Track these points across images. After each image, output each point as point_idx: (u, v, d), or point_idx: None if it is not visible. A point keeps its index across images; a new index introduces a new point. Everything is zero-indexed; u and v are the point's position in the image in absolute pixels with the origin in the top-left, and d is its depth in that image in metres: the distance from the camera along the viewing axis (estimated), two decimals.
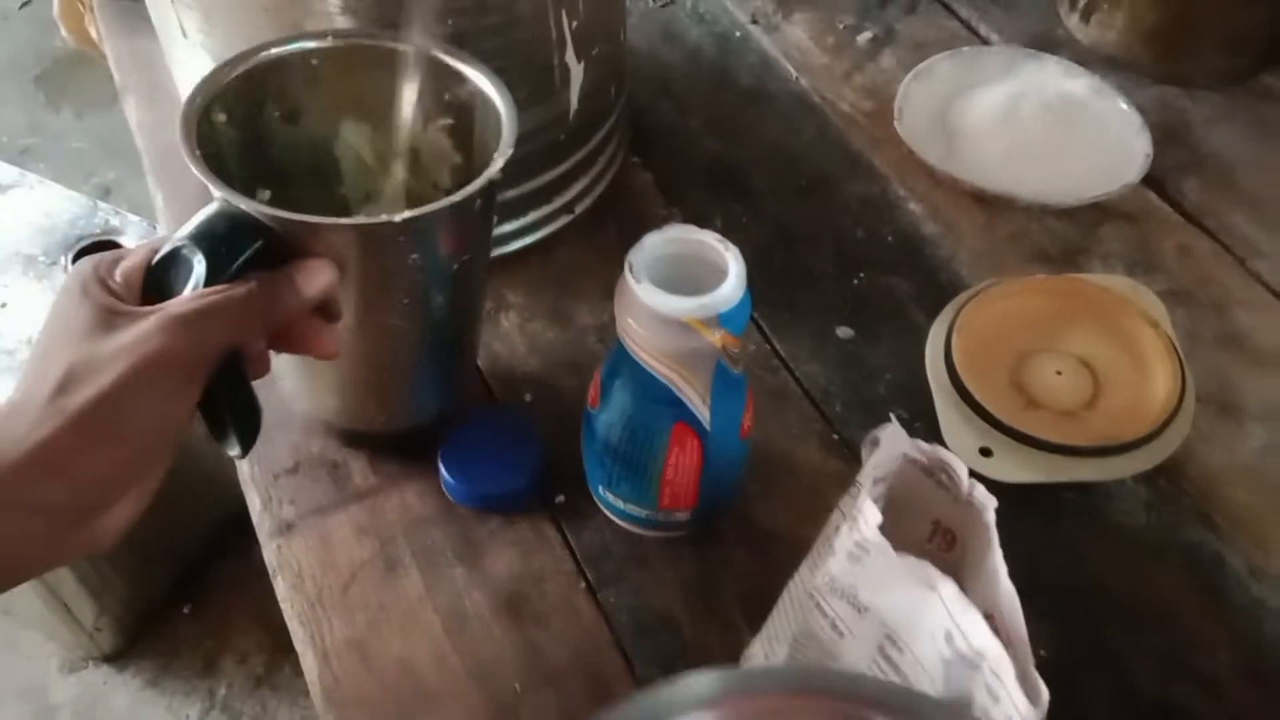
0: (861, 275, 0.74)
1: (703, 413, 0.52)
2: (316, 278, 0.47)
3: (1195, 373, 0.66)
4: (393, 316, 0.53)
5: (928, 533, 0.49)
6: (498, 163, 0.50)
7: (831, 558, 0.46)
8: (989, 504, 0.44)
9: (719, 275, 0.49)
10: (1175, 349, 0.66)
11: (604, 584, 0.58)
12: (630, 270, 0.48)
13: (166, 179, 0.80)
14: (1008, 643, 0.40)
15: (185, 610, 1.31)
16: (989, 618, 0.41)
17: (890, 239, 0.77)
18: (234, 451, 0.48)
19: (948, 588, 0.40)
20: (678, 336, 0.48)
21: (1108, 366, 0.67)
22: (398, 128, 0.56)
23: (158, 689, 1.26)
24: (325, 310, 0.49)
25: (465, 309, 0.58)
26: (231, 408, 0.46)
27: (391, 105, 0.55)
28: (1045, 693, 0.39)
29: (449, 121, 0.57)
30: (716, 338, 0.48)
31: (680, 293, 0.47)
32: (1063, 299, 0.70)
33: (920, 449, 0.46)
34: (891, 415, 0.48)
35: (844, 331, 0.71)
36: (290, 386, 0.61)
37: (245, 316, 0.44)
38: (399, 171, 0.58)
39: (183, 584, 1.31)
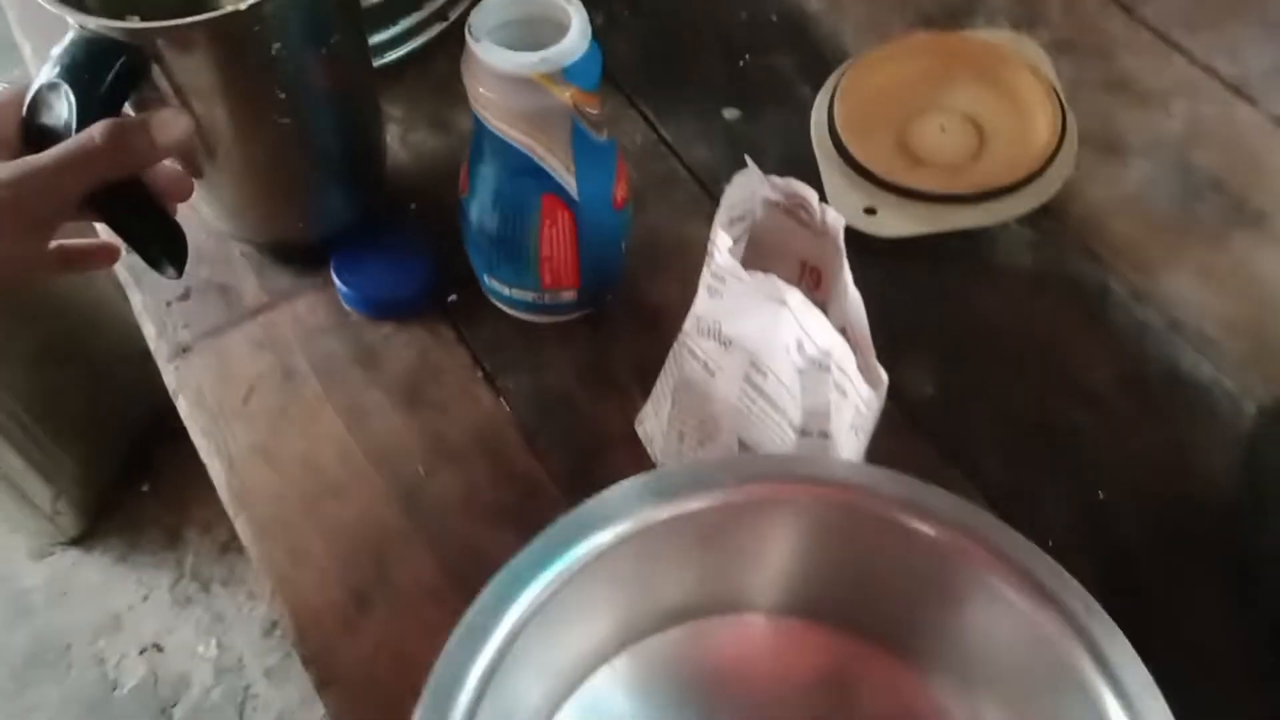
0: (746, 57, 0.74)
1: (568, 181, 0.52)
2: (170, 127, 0.48)
3: (1080, 117, 0.66)
4: (275, 113, 0.53)
5: (797, 274, 0.50)
6: None
7: (695, 300, 0.47)
8: (839, 224, 0.45)
9: (564, 32, 0.48)
10: (1056, 93, 0.66)
11: (500, 371, 0.59)
12: (470, 32, 0.47)
13: (34, 31, 0.78)
14: (855, 345, 0.41)
15: (144, 489, 1.33)
16: (843, 332, 0.42)
17: (774, 19, 0.76)
18: (170, 274, 0.51)
19: (794, 295, 0.41)
20: (526, 96, 0.48)
21: (992, 119, 0.67)
22: None
23: (127, 564, 1.29)
24: (186, 160, 0.52)
25: (351, 103, 0.58)
26: (147, 235, 0.50)
27: None
28: (885, 378, 0.40)
29: None
30: (566, 95, 0.48)
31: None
32: (945, 58, 0.69)
33: (774, 184, 0.47)
34: (747, 158, 0.48)
35: (730, 113, 0.71)
36: (207, 208, 0.61)
37: (92, 168, 0.45)
38: None
39: (137, 463, 1.32)
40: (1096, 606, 0.37)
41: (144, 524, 1.31)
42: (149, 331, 0.62)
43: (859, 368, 0.40)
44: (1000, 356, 0.59)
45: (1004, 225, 0.64)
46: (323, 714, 1.16)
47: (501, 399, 0.58)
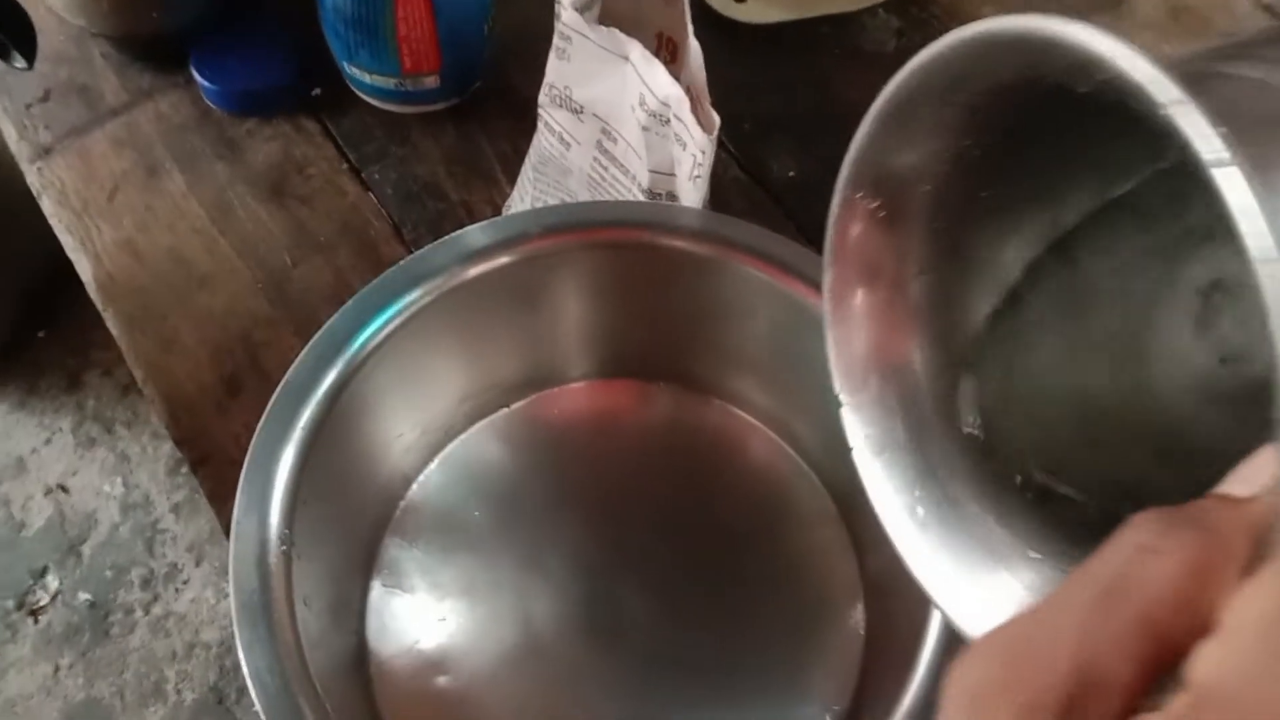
0: None
1: None
2: None
3: None
4: None
5: (654, 46, 0.50)
6: None
7: (546, 68, 0.47)
8: None
9: None
10: None
11: (367, 163, 0.59)
12: None
13: None
14: (693, 93, 0.42)
15: (40, 335, 1.31)
16: (689, 93, 0.42)
17: None
18: (19, 64, 0.50)
19: (635, 49, 0.42)
20: None
21: None
22: None
23: (26, 409, 1.27)
24: None
25: None
26: None
27: None
28: (717, 121, 0.41)
29: None
30: None
31: None
32: None
33: None
34: None
35: None
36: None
37: None
38: None
39: (33, 310, 1.29)
40: None
41: (42, 369, 1.30)
42: (9, 134, 0.61)
43: (694, 113, 0.41)
44: None
45: (871, 11, 0.64)
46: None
47: (369, 191, 0.58)
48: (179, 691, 1.10)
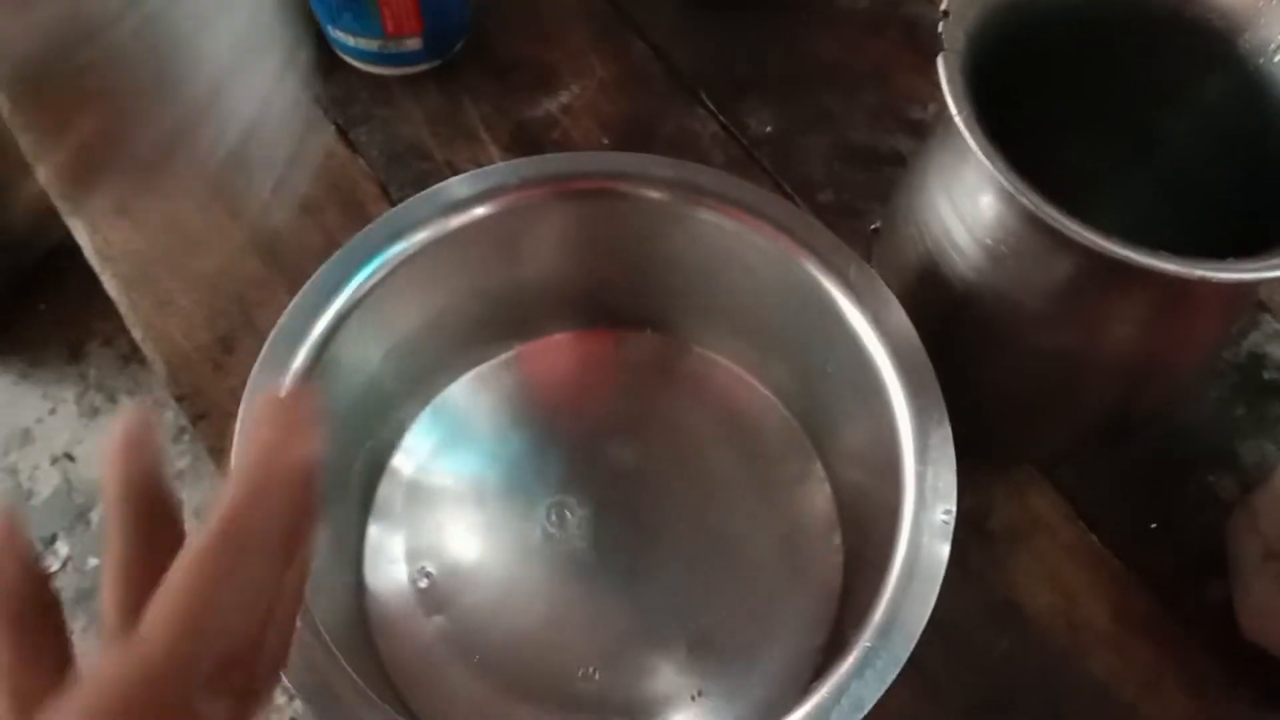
0: None
1: None
2: None
3: None
4: None
5: None
6: None
7: None
8: None
9: None
10: None
11: (352, 125, 0.60)
12: None
13: None
14: None
15: (41, 309, 1.32)
16: None
17: None
18: None
19: None
20: None
21: None
22: None
23: (30, 380, 1.29)
24: None
25: None
26: None
27: None
28: None
29: None
30: None
31: None
32: None
33: None
34: None
35: None
36: None
37: None
38: None
39: (29, 284, 1.31)
40: (855, 255, 0.41)
41: (46, 341, 1.32)
42: (2, 104, 0.62)
43: None
44: (835, 94, 0.62)
45: None
46: None
47: (356, 152, 0.60)
48: None
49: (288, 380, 0.39)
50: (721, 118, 0.61)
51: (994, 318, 0.41)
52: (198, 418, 0.53)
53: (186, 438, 1.24)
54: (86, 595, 1.16)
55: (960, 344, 0.42)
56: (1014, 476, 0.51)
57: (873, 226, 0.52)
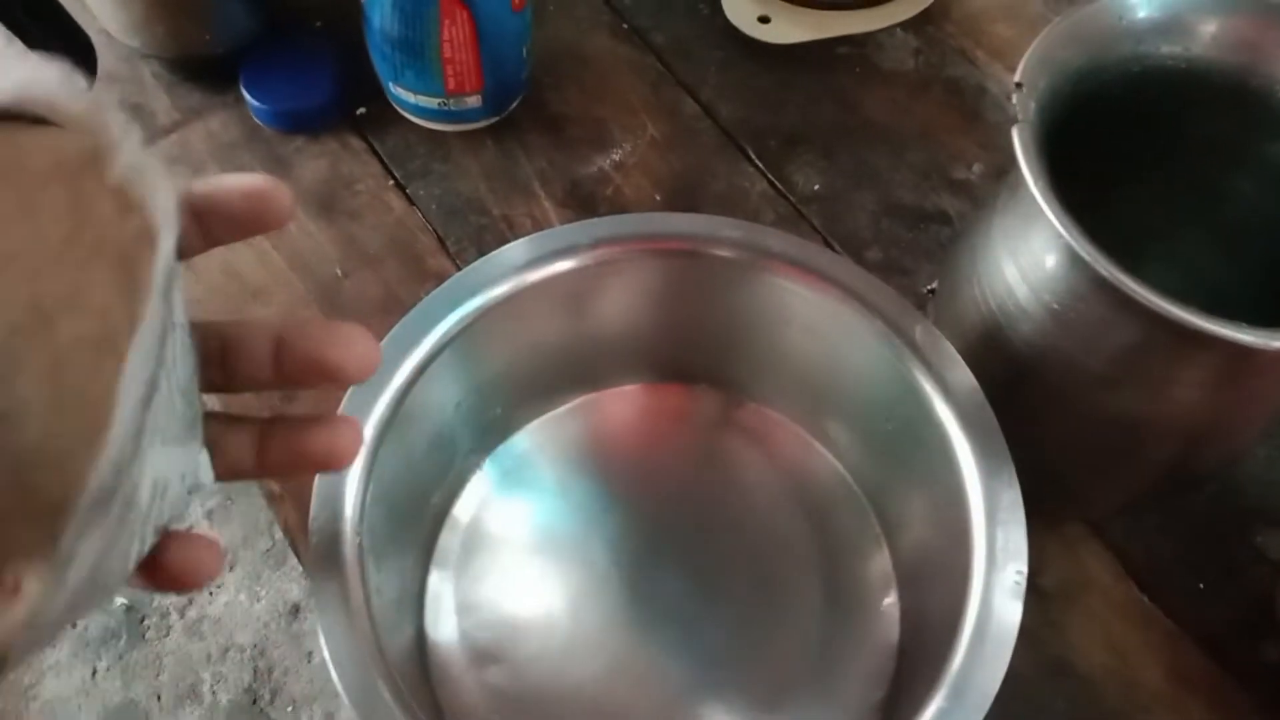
0: None
1: None
2: None
3: None
4: None
5: None
6: None
7: None
8: None
9: None
10: None
11: (411, 179, 0.62)
12: None
13: None
14: None
15: None
16: None
17: None
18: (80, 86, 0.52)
19: None
20: None
21: None
22: None
23: None
24: None
25: None
26: (50, 35, 0.50)
27: None
28: None
29: None
30: None
31: None
32: None
33: None
34: None
35: None
36: (114, 22, 0.62)
37: None
38: None
39: None
40: (921, 317, 0.42)
41: None
42: None
43: None
44: (882, 153, 0.63)
45: (889, 31, 0.67)
46: (264, 549, 1.21)
47: (414, 206, 0.61)
48: (214, 693, 1.13)
49: (370, 429, 0.39)
50: (770, 175, 0.62)
51: (1055, 379, 0.42)
52: (275, 497, 0.54)
53: None
54: (112, 634, 1.16)
55: (1019, 404, 0.43)
56: (1065, 533, 0.52)
57: (929, 288, 0.53)
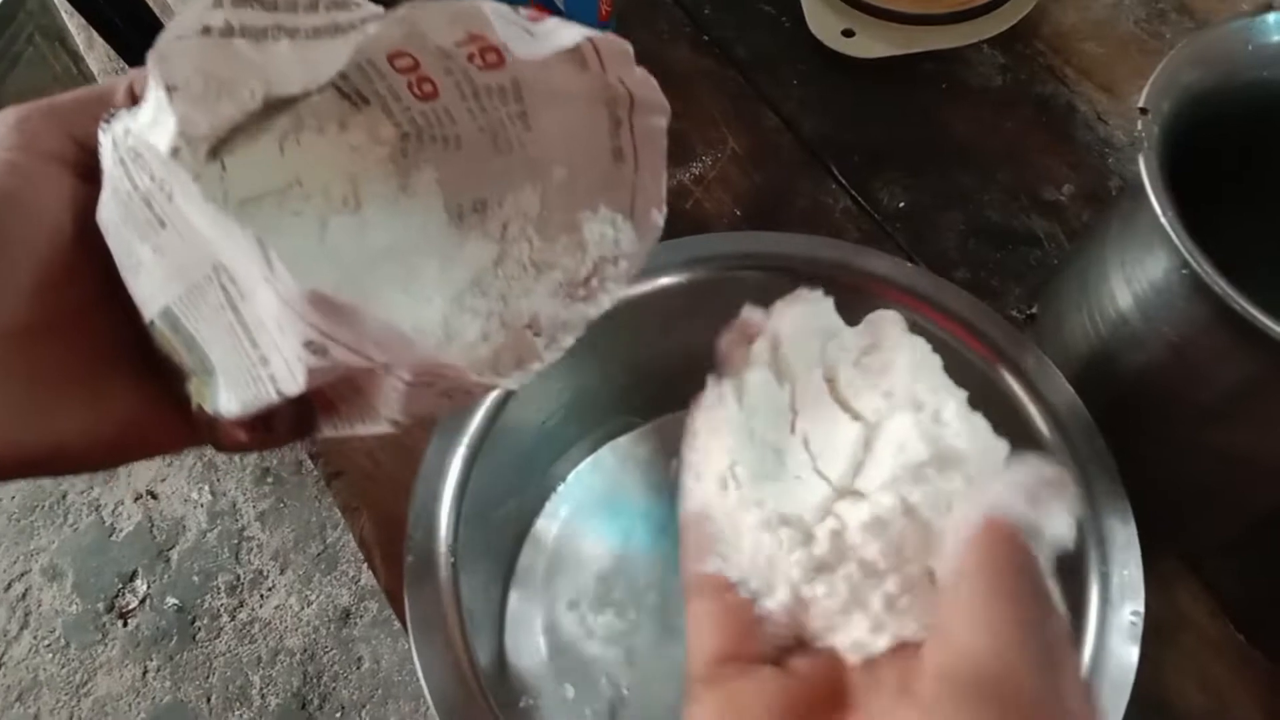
0: None
1: None
2: None
3: None
4: None
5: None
6: None
7: None
8: None
9: None
10: None
11: None
12: None
13: None
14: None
15: None
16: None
17: None
18: None
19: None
20: None
21: None
22: None
23: None
24: None
25: None
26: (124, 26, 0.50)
27: None
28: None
29: None
30: None
31: None
32: None
33: None
34: None
35: None
36: None
37: None
38: None
39: None
40: (1033, 346, 0.41)
41: None
42: None
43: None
44: (969, 171, 0.62)
45: (976, 47, 0.66)
46: (315, 552, 1.21)
47: None
48: (263, 696, 1.13)
49: (463, 446, 0.39)
50: (853, 192, 0.61)
51: (1165, 411, 0.41)
52: (334, 475, 0.53)
53: (270, 480, 1.25)
54: (163, 634, 1.17)
55: (1123, 435, 0.42)
56: (1160, 568, 0.50)
57: (1029, 312, 0.52)
